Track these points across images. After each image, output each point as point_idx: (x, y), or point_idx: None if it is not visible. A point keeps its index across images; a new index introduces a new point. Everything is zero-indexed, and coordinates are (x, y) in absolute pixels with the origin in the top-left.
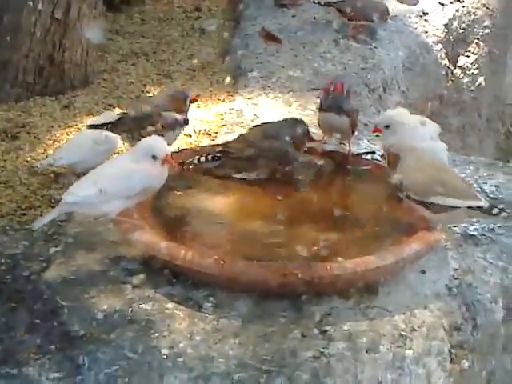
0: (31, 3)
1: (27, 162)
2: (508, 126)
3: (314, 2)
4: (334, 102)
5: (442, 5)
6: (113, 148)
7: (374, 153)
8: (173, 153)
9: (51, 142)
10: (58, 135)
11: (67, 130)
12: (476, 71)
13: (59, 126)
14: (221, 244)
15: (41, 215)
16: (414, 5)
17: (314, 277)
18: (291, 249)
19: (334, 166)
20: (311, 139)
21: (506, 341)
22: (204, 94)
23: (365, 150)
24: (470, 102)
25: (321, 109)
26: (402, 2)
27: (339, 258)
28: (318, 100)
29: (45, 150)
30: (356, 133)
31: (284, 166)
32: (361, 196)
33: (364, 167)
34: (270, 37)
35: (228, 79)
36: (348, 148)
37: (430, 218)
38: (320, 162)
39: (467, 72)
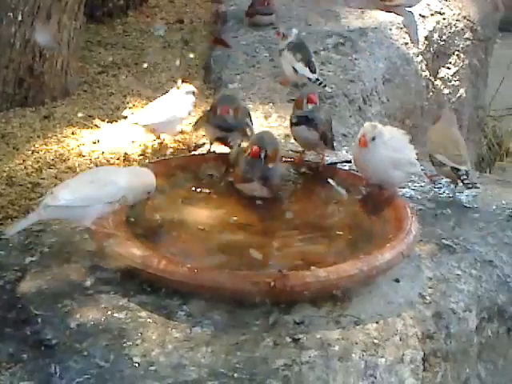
0: (11, 14)
1: (5, 172)
2: (489, 137)
3: None
4: (303, 116)
5: (423, 17)
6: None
7: (350, 162)
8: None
9: (30, 152)
10: (37, 146)
11: (46, 140)
12: (457, 83)
13: (38, 137)
14: (195, 253)
15: None
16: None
17: (286, 285)
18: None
19: (305, 176)
20: None
21: (479, 349)
22: None
23: (342, 159)
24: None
25: (292, 123)
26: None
27: (312, 267)
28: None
29: (24, 160)
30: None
31: None
32: (332, 205)
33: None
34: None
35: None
36: (322, 158)
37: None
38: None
39: (448, 83)
